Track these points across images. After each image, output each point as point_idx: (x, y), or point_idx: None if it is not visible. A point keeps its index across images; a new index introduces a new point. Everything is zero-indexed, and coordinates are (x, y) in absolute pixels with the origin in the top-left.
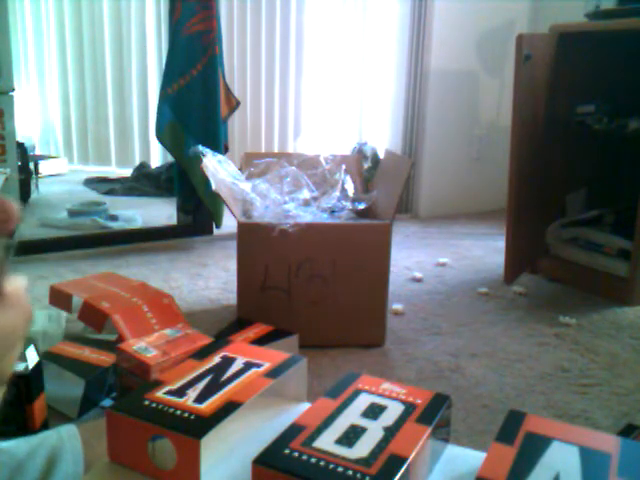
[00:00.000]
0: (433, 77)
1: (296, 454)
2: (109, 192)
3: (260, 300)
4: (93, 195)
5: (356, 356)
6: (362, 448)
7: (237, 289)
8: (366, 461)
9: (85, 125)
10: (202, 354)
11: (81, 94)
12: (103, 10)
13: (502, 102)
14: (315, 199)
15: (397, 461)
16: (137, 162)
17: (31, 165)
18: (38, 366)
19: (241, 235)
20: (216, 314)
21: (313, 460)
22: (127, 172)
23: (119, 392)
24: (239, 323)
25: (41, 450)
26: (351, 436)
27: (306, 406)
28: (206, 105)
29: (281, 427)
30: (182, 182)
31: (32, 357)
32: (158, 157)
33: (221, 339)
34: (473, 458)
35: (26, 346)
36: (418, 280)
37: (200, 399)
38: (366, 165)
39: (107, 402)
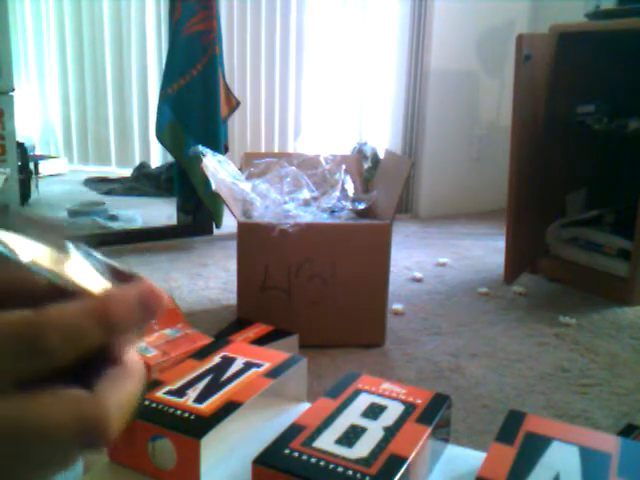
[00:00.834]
0: (433, 77)
1: (296, 454)
2: (109, 192)
3: (260, 300)
4: (93, 195)
5: (356, 356)
6: (362, 448)
7: (237, 289)
8: (366, 461)
9: (85, 125)
10: (202, 354)
11: (81, 94)
12: (103, 10)
13: (502, 102)
14: (315, 199)
15: (397, 461)
16: (137, 162)
17: (31, 165)
18: None
19: (241, 235)
20: (216, 314)
21: (313, 460)
22: (127, 172)
23: None
24: (239, 323)
25: None
26: (351, 436)
27: (306, 406)
28: (206, 105)
29: (281, 427)
30: (182, 182)
31: None
32: (158, 157)
33: (221, 339)
34: (473, 458)
35: None
36: (418, 280)
37: (200, 399)
38: (366, 165)
39: None
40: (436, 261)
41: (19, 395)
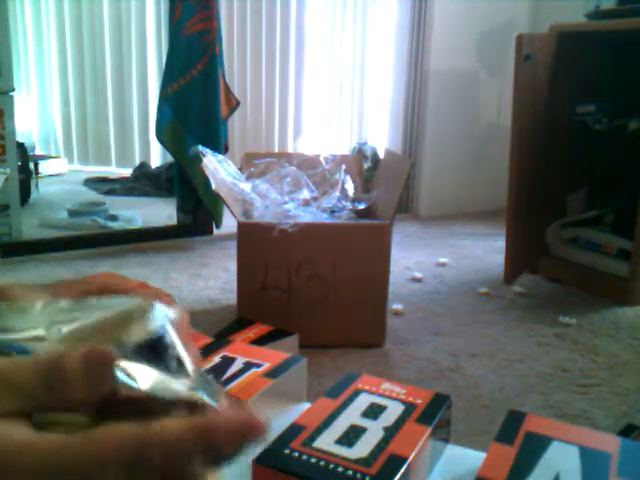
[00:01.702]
0: (433, 77)
1: (296, 454)
2: (109, 192)
3: (260, 300)
4: (93, 195)
5: (356, 356)
6: (362, 448)
7: (237, 289)
8: (366, 461)
9: (85, 125)
10: (202, 354)
11: (81, 94)
12: (103, 10)
13: (502, 102)
14: (315, 199)
15: (397, 461)
16: (137, 162)
17: (31, 165)
18: None
19: (241, 235)
20: (216, 314)
21: (313, 460)
22: (127, 172)
23: None
24: (239, 323)
25: None
26: (351, 436)
27: (306, 406)
28: (206, 105)
29: (281, 427)
30: (182, 182)
31: None
32: (158, 157)
33: (221, 339)
34: (473, 458)
35: None
36: (418, 280)
37: None
38: (366, 165)
39: None
40: (436, 261)
41: None
